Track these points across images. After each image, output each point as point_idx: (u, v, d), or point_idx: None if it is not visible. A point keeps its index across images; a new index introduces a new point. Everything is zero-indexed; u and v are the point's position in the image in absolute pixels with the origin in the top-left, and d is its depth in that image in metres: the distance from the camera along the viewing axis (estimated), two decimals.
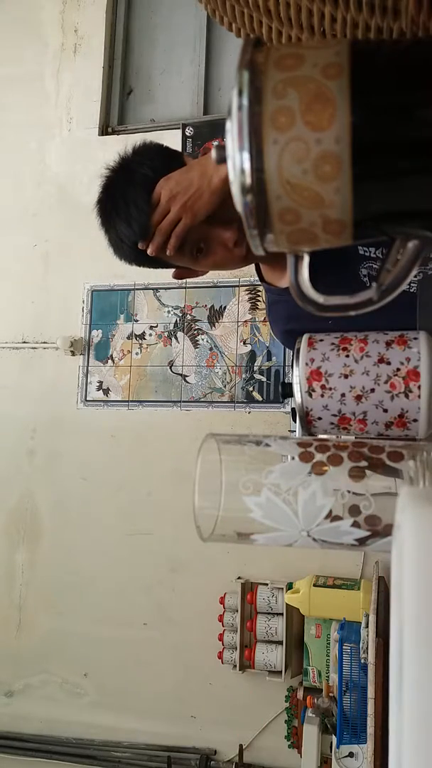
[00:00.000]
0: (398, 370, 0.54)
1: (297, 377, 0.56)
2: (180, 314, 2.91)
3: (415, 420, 0.55)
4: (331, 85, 0.33)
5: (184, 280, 1.75)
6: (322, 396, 0.55)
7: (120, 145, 3.45)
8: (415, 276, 0.90)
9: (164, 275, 1.00)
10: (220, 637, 2.53)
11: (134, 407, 2.91)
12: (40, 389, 3.03)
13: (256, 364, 2.79)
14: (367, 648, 1.66)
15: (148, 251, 0.87)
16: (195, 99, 3.10)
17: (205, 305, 2.86)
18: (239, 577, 2.59)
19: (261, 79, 0.34)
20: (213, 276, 2.77)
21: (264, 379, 2.77)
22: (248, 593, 2.50)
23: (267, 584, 2.49)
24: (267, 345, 2.77)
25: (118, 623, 2.77)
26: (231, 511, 0.43)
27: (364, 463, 0.42)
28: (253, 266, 1.03)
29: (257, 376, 2.78)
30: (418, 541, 0.25)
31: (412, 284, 0.87)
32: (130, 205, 0.87)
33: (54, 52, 3.27)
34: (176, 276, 0.99)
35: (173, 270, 0.98)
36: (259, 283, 1.07)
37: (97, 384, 2.98)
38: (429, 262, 0.88)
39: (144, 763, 2.65)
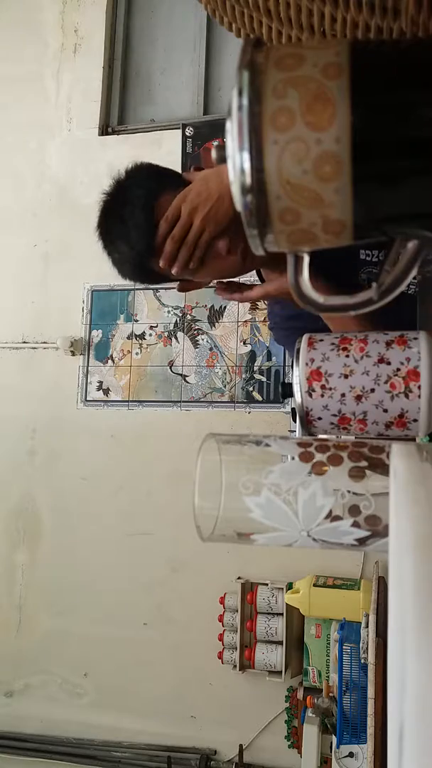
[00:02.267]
0: (398, 370, 0.54)
1: (297, 377, 0.56)
2: (180, 314, 2.91)
3: (415, 420, 0.55)
4: (331, 85, 0.33)
5: None
6: (322, 396, 0.55)
7: (120, 145, 3.45)
8: (415, 278, 0.90)
9: None
10: (220, 637, 2.53)
11: (134, 407, 2.91)
12: (40, 389, 3.03)
13: (256, 364, 2.79)
14: (367, 648, 1.66)
15: (174, 270, 0.86)
16: (195, 99, 3.10)
17: (205, 305, 2.87)
18: (239, 577, 2.59)
19: (261, 79, 0.34)
20: None
21: (264, 379, 2.77)
22: (248, 593, 2.50)
23: (267, 584, 2.49)
24: (267, 345, 2.77)
25: (118, 623, 2.77)
26: (231, 511, 0.43)
27: (364, 463, 0.42)
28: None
29: (257, 376, 2.78)
30: (418, 540, 0.25)
31: (410, 286, 0.87)
32: (129, 227, 0.86)
33: (54, 52, 3.27)
34: (180, 289, 0.99)
35: (177, 284, 0.98)
36: (260, 283, 1.07)
37: (97, 384, 2.98)
38: (429, 265, 0.88)
39: (144, 763, 2.65)
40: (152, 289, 2.93)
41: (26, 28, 3.31)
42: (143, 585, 2.76)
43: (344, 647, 2.02)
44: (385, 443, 0.43)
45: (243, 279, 1.00)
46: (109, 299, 3.00)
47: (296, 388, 0.56)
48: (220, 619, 2.55)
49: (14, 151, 3.24)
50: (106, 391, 2.97)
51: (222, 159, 0.36)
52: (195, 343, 2.88)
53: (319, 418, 0.56)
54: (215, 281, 0.97)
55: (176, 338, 2.90)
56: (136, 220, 0.85)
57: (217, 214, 0.83)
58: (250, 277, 1.03)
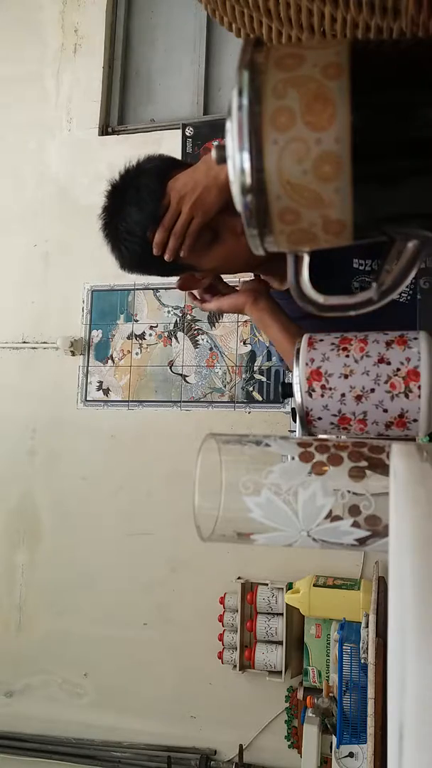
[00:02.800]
0: (398, 370, 0.54)
1: (297, 377, 0.56)
2: (180, 314, 2.91)
3: (415, 420, 0.55)
4: (331, 85, 0.33)
5: None
6: (322, 396, 0.55)
7: (120, 145, 3.44)
8: (408, 287, 0.90)
9: None
10: (220, 637, 2.53)
11: (134, 407, 2.91)
12: (40, 389, 3.03)
13: (256, 364, 2.79)
14: (367, 648, 1.66)
15: (165, 257, 0.87)
16: (195, 99, 3.10)
17: None
18: (239, 577, 2.59)
19: (261, 79, 0.34)
20: None
21: (264, 379, 2.77)
22: (248, 593, 2.50)
23: (267, 584, 2.49)
24: (267, 345, 2.77)
25: (118, 623, 2.77)
26: (231, 511, 0.43)
27: (364, 463, 0.42)
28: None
29: (257, 376, 2.78)
30: (417, 541, 0.25)
31: (402, 294, 0.87)
32: (142, 190, 0.87)
33: (54, 52, 3.27)
34: (181, 286, 0.99)
35: (177, 281, 0.98)
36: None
37: (97, 384, 2.98)
38: (429, 273, 0.88)
39: (144, 763, 2.65)
40: (152, 288, 2.93)
41: (26, 28, 3.31)
42: (143, 585, 2.76)
43: (344, 647, 2.02)
44: (385, 443, 0.43)
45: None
46: (109, 299, 3.00)
47: (296, 388, 0.56)
48: (220, 619, 2.55)
49: (14, 151, 3.24)
50: (106, 391, 2.97)
51: (222, 159, 0.36)
52: (195, 343, 2.88)
53: (319, 418, 0.56)
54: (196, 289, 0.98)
55: (176, 338, 2.90)
56: (149, 184, 0.87)
57: (204, 203, 0.85)
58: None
